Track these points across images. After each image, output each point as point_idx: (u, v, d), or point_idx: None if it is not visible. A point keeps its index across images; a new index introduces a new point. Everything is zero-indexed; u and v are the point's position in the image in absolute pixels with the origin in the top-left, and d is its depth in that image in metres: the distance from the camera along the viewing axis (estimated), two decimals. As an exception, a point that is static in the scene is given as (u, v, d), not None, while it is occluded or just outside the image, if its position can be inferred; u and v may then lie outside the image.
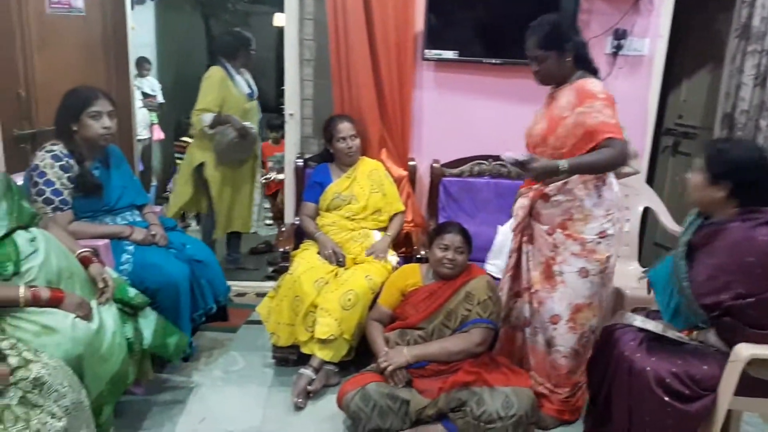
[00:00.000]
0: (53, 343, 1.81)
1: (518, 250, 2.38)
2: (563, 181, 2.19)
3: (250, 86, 3.82)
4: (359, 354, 2.59)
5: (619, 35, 3.10)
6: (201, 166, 3.65)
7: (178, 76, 6.46)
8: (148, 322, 2.25)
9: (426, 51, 3.07)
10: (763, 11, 2.99)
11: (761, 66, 3.04)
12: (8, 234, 1.94)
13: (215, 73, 3.60)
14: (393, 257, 2.84)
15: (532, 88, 3.16)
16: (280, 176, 4.76)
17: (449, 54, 3.08)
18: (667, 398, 1.82)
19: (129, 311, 2.21)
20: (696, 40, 3.78)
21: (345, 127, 2.93)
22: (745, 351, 1.79)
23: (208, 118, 3.53)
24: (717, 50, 3.42)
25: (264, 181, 4.58)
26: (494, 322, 2.30)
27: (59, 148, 2.37)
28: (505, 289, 2.45)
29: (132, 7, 4.80)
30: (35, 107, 2.65)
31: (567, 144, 2.16)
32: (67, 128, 2.40)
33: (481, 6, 3.08)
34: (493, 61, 3.11)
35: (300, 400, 2.47)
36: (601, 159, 2.08)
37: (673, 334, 1.96)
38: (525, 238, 2.35)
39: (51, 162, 2.33)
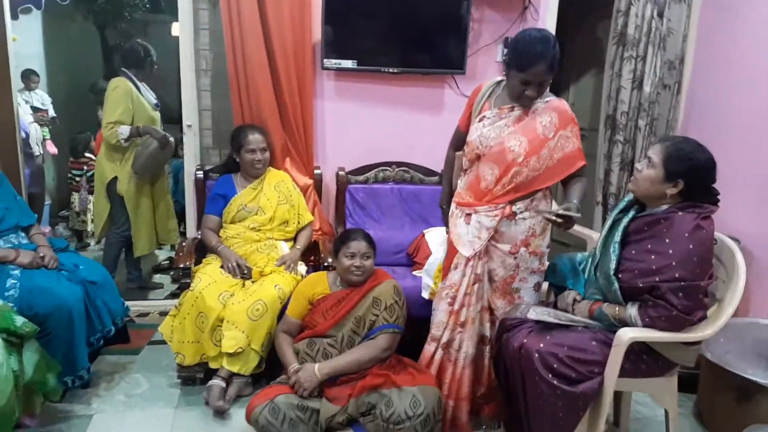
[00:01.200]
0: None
1: (473, 275, 2.26)
2: (530, 198, 2.21)
3: (154, 96, 3.71)
4: (271, 366, 2.55)
5: (509, 43, 3.25)
6: (113, 181, 3.48)
7: (70, 88, 6.12)
8: (32, 354, 2.12)
9: (325, 60, 3.09)
10: (637, 20, 3.24)
11: (637, 71, 3.29)
12: None
13: (121, 84, 3.45)
14: (302, 266, 2.83)
15: (428, 95, 3.30)
16: None
17: (348, 63, 3.11)
18: (555, 381, 1.92)
19: (15, 341, 2.07)
20: (580, 47, 4.04)
21: (255, 139, 2.89)
22: (626, 334, 1.92)
23: (125, 130, 3.37)
24: (599, 56, 3.66)
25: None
26: (400, 326, 2.34)
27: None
28: (448, 320, 2.31)
29: (15, 17, 4.53)
30: None
31: (543, 167, 2.17)
32: None
33: (379, 16, 3.13)
34: (391, 70, 3.18)
35: (221, 403, 2.43)
36: (585, 190, 2.19)
37: (565, 317, 2.07)
38: (482, 260, 2.26)
39: None
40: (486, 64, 3.30)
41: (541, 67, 2.05)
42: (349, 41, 3.11)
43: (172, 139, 3.54)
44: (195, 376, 2.64)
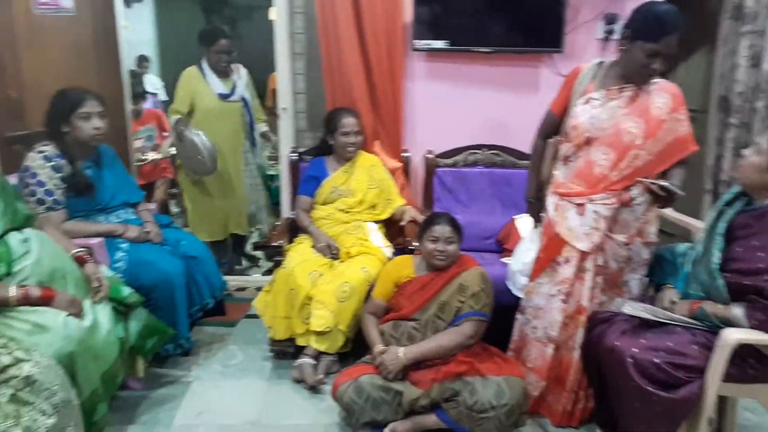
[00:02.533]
0: (45, 342, 1.84)
1: (581, 268, 2.16)
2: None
3: (234, 86, 3.54)
4: (357, 345, 2.60)
5: (611, 20, 3.07)
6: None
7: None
8: (137, 322, 2.28)
9: (415, 41, 3.06)
10: (756, -8, 2.94)
11: (754, 47, 3.00)
12: (1, 236, 1.97)
13: (187, 71, 3.51)
14: (388, 248, 2.85)
15: (523, 75, 3.18)
16: (156, 156, 4.45)
17: (439, 44, 3.06)
18: (650, 388, 1.81)
19: (122, 309, 2.23)
20: (689, 23, 3.73)
21: (350, 122, 2.92)
22: (732, 335, 1.78)
23: (173, 122, 3.48)
24: (710, 31, 3.37)
25: (137, 164, 3.99)
26: (486, 314, 2.30)
27: (50, 149, 2.40)
28: (563, 318, 2.21)
29: (128, 5, 4.84)
30: (28, 108, 2.68)
31: (657, 150, 2.08)
32: (57, 130, 2.43)
33: (471, -7, 3.06)
34: (484, 49, 3.09)
35: (320, 377, 2.51)
36: (686, 178, 2.10)
37: (663, 314, 1.95)
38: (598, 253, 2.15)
39: (42, 163, 2.36)
40: (585, 41, 3.12)
41: (674, 38, 1.95)
42: (441, 21, 3.05)
43: (200, 139, 3.33)
44: (286, 351, 2.74)
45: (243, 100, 3.61)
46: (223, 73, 3.52)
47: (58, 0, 2.82)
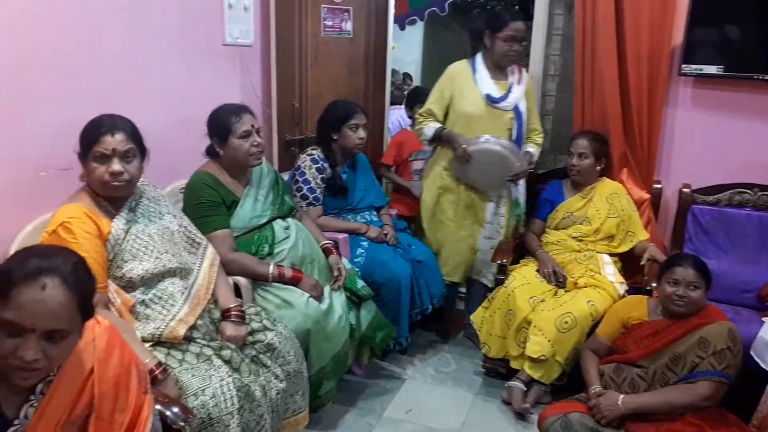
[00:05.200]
0: (289, 316, 2.13)
1: None
2: None
3: (509, 91, 2.81)
4: (572, 380, 2.48)
5: None
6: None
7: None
8: (367, 313, 2.49)
9: (683, 66, 2.78)
10: None
11: None
12: (269, 221, 2.34)
13: (454, 64, 2.93)
14: (621, 285, 2.65)
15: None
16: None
17: (711, 69, 2.74)
18: None
19: (355, 300, 2.47)
20: None
21: (578, 144, 2.82)
22: None
23: (429, 130, 2.85)
24: None
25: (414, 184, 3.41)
26: (729, 376, 2.00)
27: (317, 153, 2.76)
28: None
29: (403, 28, 5.29)
30: (305, 116, 3.12)
31: None
32: (327, 136, 2.77)
33: (754, 15, 2.68)
34: (766, 77, 2.68)
35: (526, 405, 2.48)
36: None
37: None
38: None
39: (310, 164, 2.72)
40: None
41: None
42: (715, 45, 2.73)
43: (498, 150, 2.74)
44: (498, 370, 2.73)
45: (516, 110, 2.84)
46: (500, 73, 2.83)
47: (342, 24, 3.23)
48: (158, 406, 1.42)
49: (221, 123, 2.22)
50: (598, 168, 2.85)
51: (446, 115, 2.88)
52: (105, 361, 1.25)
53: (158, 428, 1.34)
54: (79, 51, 2.00)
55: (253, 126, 2.22)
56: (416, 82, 6.21)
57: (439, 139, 2.85)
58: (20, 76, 1.82)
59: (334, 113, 2.77)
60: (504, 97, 2.81)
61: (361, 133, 2.75)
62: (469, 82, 2.83)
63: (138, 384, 1.31)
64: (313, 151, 2.77)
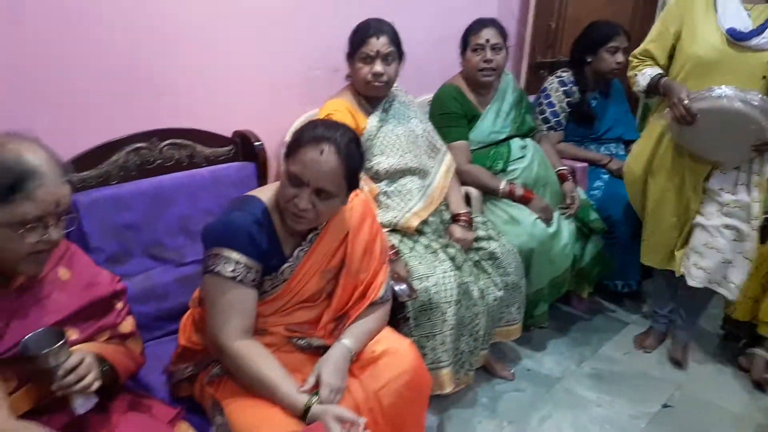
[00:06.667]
0: (514, 233, 2.17)
1: None
2: None
3: None
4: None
5: None
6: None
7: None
8: (593, 247, 2.40)
9: None
10: None
11: None
12: (507, 139, 2.36)
13: None
14: None
15: None
16: None
17: None
18: None
19: (584, 231, 2.39)
20: None
21: None
22: None
23: (643, 79, 2.12)
24: None
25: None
26: None
27: (567, 76, 2.66)
28: None
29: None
30: (560, 38, 2.99)
31: None
32: (581, 59, 2.65)
33: None
34: None
35: (766, 376, 2.24)
36: None
37: None
38: None
39: (557, 86, 2.64)
40: None
41: None
42: None
43: (739, 108, 1.88)
44: (737, 333, 2.45)
45: None
46: None
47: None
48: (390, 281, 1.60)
49: (464, 35, 2.29)
50: None
51: (672, 57, 2.13)
52: (358, 228, 1.46)
53: (389, 296, 1.52)
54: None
55: (488, 41, 2.21)
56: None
57: (656, 91, 2.12)
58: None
59: (593, 34, 2.63)
60: (759, 31, 1.92)
61: (620, 57, 2.57)
62: (706, 12, 2.01)
63: (380, 254, 1.50)
64: (563, 74, 2.67)
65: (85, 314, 1.20)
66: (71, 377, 1.08)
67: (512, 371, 2.27)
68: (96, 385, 1.12)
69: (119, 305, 1.29)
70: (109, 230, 1.59)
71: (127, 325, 1.30)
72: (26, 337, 1.08)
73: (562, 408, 2.12)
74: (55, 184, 1.05)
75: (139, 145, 1.72)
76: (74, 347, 1.13)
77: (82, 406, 1.12)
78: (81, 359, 1.10)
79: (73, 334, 1.16)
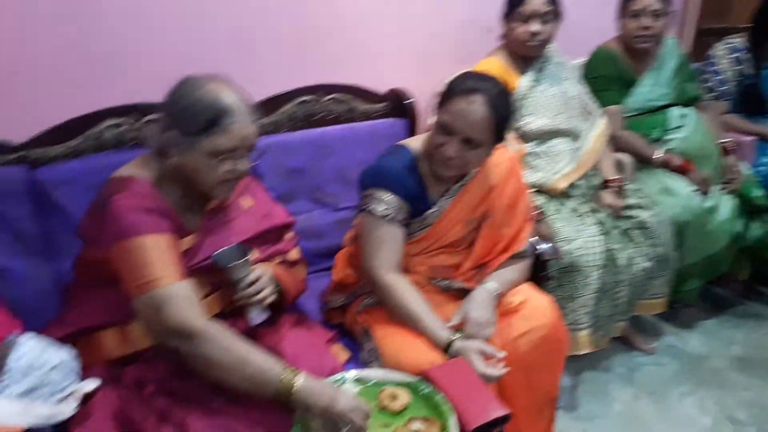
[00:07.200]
0: (668, 204, 2.07)
1: None
2: None
3: None
4: None
5: None
6: None
7: None
8: (760, 226, 2.23)
9: None
10: None
11: None
12: (665, 106, 2.24)
13: None
14: None
15: None
16: None
17: None
18: None
19: (748, 208, 2.23)
20: None
21: None
22: None
23: None
24: None
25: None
26: None
27: (739, 42, 2.45)
28: None
29: None
30: (733, 6, 2.75)
31: None
32: (764, 26, 2.40)
33: None
34: None
35: None
36: None
37: None
38: None
39: (725, 53, 2.45)
40: None
41: None
42: None
43: None
44: None
45: None
46: None
47: None
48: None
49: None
50: None
51: None
52: (504, 183, 1.50)
53: (531, 252, 1.55)
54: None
55: (647, 7, 2.09)
56: None
57: None
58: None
59: None
60: None
61: None
62: None
63: (524, 211, 1.53)
64: (734, 40, 2.46)
65: (263, 238, 1.36)
66: (251, 289, 1.24)
67: (654, 345, 2.20)
68: (271, 299, 1.27)
69: (289, 235, 1.45)
70: (280, 173, 1.77)
71: (295, 252, 1.45)
72: (218, 251, 1.25)
73: (705, 386, 2.03)
74: (246, 122, 1.19)
75: (306, 98, 1.88)
76: (254, 266, 1.29)
77: (258, 316, 1.28)
78: (260, 275, 1.26)
79: (255, 254, 1.32)
